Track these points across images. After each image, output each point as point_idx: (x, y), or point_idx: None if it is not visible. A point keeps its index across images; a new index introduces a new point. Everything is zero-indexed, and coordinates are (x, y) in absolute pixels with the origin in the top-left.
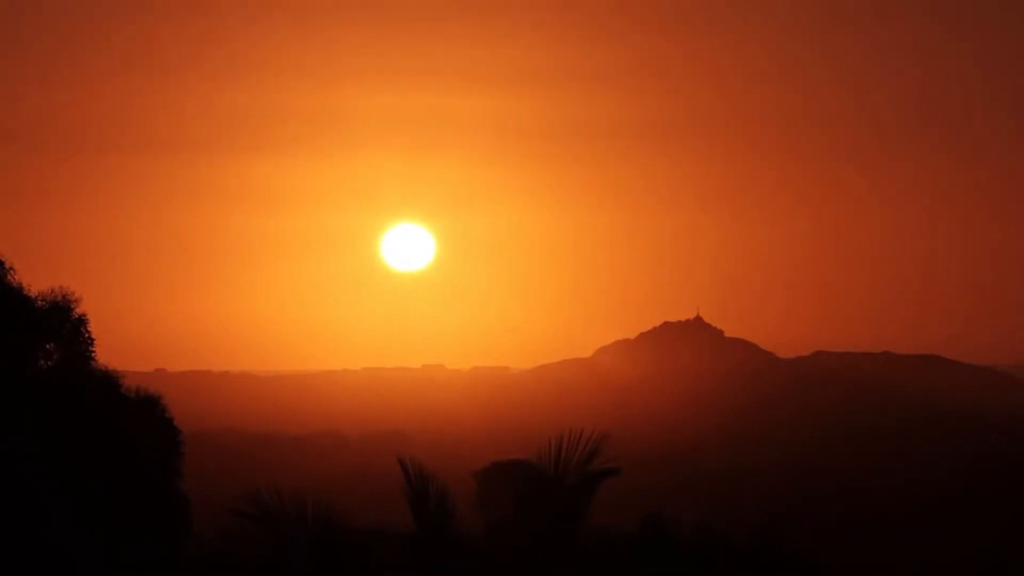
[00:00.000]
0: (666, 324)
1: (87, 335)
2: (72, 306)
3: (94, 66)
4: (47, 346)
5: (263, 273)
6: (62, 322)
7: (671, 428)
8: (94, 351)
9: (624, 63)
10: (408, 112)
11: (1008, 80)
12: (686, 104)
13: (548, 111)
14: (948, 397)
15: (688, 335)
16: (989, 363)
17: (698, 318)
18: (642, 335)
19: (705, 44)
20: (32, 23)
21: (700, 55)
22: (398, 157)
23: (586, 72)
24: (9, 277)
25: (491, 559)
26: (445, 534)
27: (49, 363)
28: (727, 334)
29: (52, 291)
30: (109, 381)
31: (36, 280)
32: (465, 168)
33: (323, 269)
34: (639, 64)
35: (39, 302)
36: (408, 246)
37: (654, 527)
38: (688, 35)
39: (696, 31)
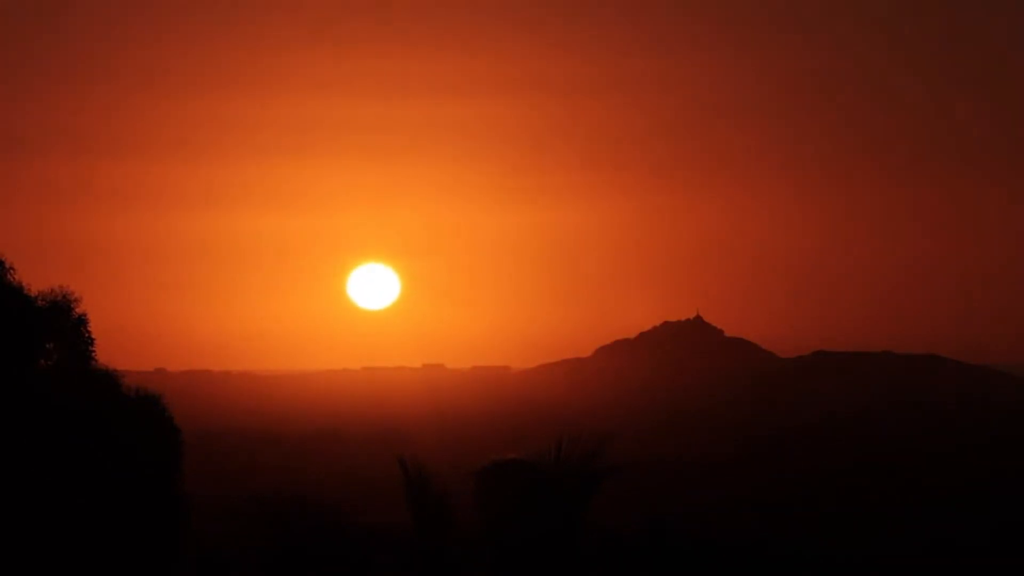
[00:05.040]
0: (666, 324)
1: (87, 335)
2: (72, 306)
3: (95, 68)
4: (47, 345)
5: (263, 274)
6: (62, 321)
7: (671, 428)
8: (94, 351)
9: (623, 63)
10: (383, 114)
11: (1008, 82)
12: (683, 104)
13: (541, 114)
14: (948, 397)
15: (688, 335)
16: (989, 363)
17: (698, 318)
18: (642, 335)
19: (700, 44)
20: (33, 24)
21: (694, 55)
22: (386, 157)
23: (579, 74)
24: (9, 276)
25: (491, 559)
26: (445, 534)
27: (49, 362)
28: (727, 334)
29: (52, 291)
30: (109, 381)
31: (36, 280)
32: (458, 173)
33: (323, 271)
34: (635, 64)
35: (39, 302)
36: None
37: (654, 528)
38: (682, 35)
39: (691, 29)
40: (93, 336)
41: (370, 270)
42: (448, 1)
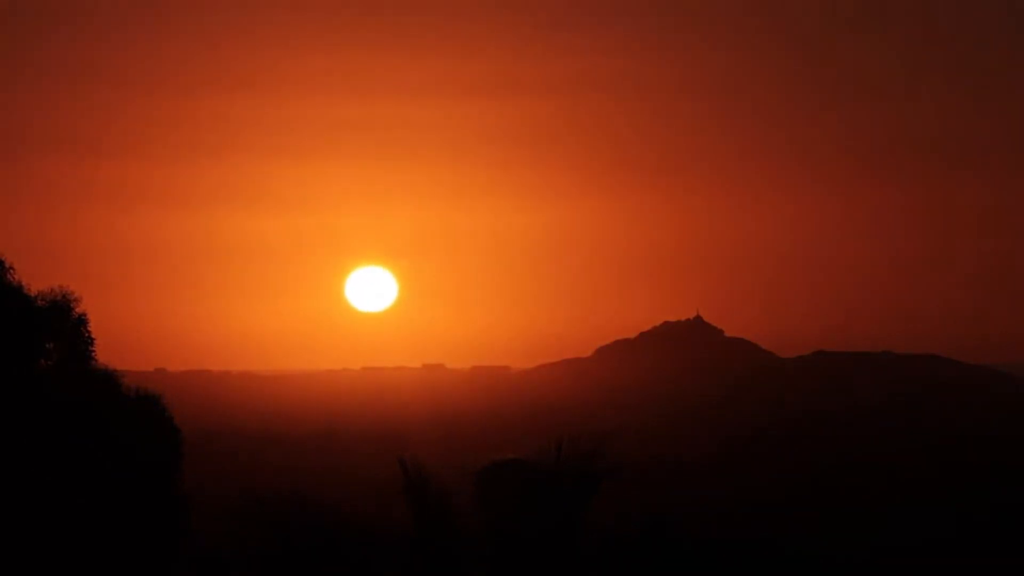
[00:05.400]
0: (666, 324)
1: (87, 335)
2: (72, 306)
3: (95, 68)
4: (47, 345)
5: (263, 273)
6: (62, 321)
7: (671, 428)
8: (94, 351)
9: (623, 62)
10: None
11: (1009, 82)
12: (683, 103)
13: (540, 113)
14: (948, 397)
15: (688, 335)
16: (989, 363)
17: (698, 318)
18: (642, 335)
19: (700, 43)
20: (33, 24)
21: (693, 54)
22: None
23: (580, 73)
24: (9, 276)
25: (491, 559)
26: (445, 534)
27: (49, 362)
28: (727, 334)
29: (52, 291)
30: (109, 381)
31: (36, 280)
32: (459, 173)
33: (322, 273)
34: (636, 63)
35: (39, 301)
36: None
37: (655, 528)
38: (681, 35)
39: (689, 29)
40: (93, 336)
41: (368, 273)
42: (445, 3)
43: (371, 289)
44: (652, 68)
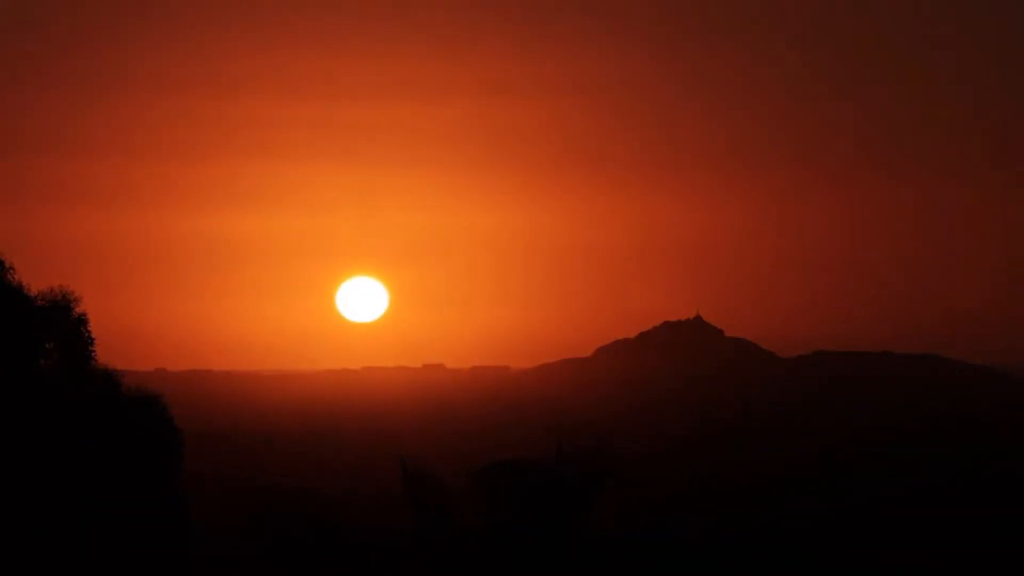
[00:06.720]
0: (666, 324)
1: (87, 335)
2: (72, 306)
3: (95, 69)
4: (47, 345)
5: (264, 273)
6: (62, 322)
7: (671, 428)
8: (94, 351)
9: (621, 62)
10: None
11: (1009, 83)
12: (682, 104)
13: (539, 115)
14: (948, 397)
15: (688, 335)
16: (989, 363)
17: (698, 318)
18: (642, 335)
19: (698, 43)
20: (34, 25)
21: (693, 54)
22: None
23: (576, 74)
24: (9, 276)
25: (491, 559)
26: (445, 534)
27: (49, 362)
28: (727, 334)
29: (52, 291)
30: (109, 381)
31: (36, 280)
32: (457, 175)
33: (320, 276)
34: (634, 64)
35: (39, 301)
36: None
37: (654, 527)
38: (679, 34)
39: (687, 28)
40: (93, 336)
41: (359, 283)
42: (442, 7)
43: (362, 300)
44: (652, 68)
